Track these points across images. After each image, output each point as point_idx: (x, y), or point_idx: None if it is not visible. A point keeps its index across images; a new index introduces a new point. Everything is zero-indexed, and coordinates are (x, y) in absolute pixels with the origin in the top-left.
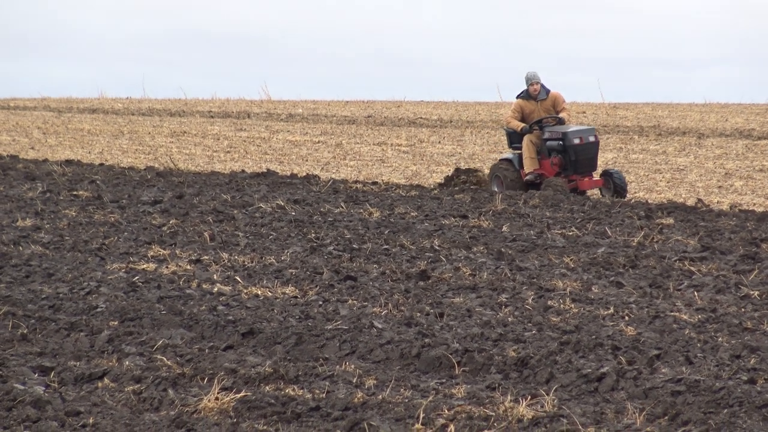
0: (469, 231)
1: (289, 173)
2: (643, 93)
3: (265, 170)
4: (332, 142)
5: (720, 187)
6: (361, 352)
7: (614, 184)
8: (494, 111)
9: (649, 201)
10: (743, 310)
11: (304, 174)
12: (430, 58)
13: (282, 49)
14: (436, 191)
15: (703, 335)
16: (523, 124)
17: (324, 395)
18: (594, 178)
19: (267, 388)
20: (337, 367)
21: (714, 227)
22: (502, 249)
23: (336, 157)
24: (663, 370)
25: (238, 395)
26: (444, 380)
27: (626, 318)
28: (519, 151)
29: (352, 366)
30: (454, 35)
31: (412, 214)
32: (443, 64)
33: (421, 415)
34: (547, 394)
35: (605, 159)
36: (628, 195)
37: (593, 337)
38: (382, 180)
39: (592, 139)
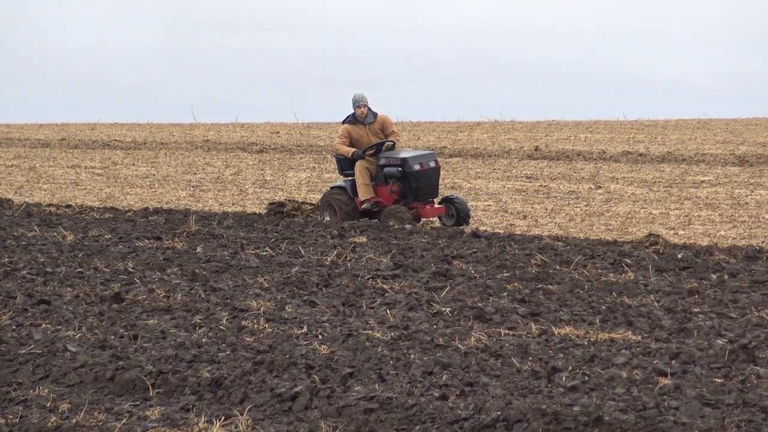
0: (163, 253)
1: None
2: (335, 112)
3: None
4: (26, 165)
5: None
6: (55, 376)
7: (456, 210)
8: (188, 132)
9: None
10: (435, 326)
11: None
12: (123, 80)
13: None
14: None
15: (395, 352)
16: (353, 149)
17: (17, 420)
18: (435, 206)
19: None
20: (31, 391)
21: (406, 245)
22: (197, 270)
23: (29, 180)
24: (356, 388)
25: None
26: (138, 402)
27: (320, 337)
28: (351, 178)
29: (46, 390)
30: (147, 56)
31: (106, 236)
32: (136, 86)
33: None
34: (242, 414)
35: (299, 179)
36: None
37: (287, 356)
38: (76, 203)
39: (432, 164)
